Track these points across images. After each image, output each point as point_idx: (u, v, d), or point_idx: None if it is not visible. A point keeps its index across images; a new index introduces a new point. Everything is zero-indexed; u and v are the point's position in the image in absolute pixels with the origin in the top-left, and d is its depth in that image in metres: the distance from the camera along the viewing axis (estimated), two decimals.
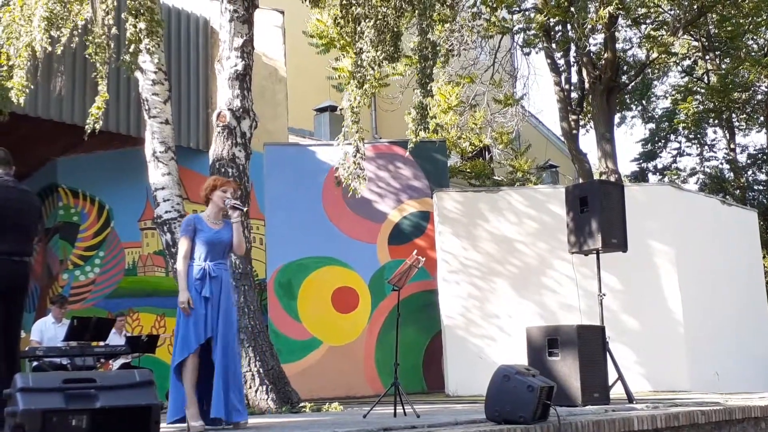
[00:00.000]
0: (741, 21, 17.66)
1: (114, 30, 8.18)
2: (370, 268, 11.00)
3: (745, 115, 22.66)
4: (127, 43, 7.88)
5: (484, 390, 4.85)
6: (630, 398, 6.65)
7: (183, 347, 5.15)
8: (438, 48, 8.92)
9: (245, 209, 5.35)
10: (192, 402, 5.14)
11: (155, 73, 8.22)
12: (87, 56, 8.05)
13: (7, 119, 8.81)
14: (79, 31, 8.12)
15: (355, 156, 8.59)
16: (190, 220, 5.35)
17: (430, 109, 8.80)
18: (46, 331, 9.25)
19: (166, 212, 7.95)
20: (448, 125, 16.46)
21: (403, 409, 5.84)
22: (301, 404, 7.28)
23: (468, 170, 17.39)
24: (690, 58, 22.01)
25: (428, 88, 8.37)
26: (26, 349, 8.56)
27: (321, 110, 17.63)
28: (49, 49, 7.86)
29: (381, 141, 12.27)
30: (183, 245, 5.26)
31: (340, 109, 8.88)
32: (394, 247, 11.04)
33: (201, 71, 12.24)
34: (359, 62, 8.20)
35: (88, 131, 8.11)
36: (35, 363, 8.57)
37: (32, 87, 7.95)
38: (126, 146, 11.37)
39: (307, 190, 11.04)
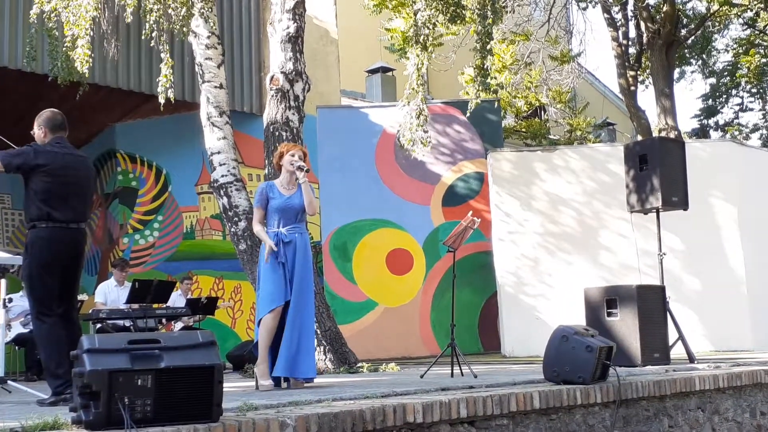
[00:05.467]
0: None
1: None
2: (424, 230, 10.99)
3: None
4: (179, 6, 7.90)
5: (541, 351, 4.83)
6: (691, 358, 6.56)
7: (262, 306, 5.33)
8: (497, 6, 8.72)
9: (306, 168, 5.43)
10: (263, 359, 5.26)
11: (208, 37, 8.24)
12: (152, 23, 8.02)
13: (86, 89, 8.96)
14: None
15: (419, 118, 8.52)
16: (263, 189, 5.48)
17: (490, 69, 8.65)
18: (110, 293, 9.50)
19: (222, 176, 8.02)
20: (503, 85, 16.22)
21: (461, 369, 5.85)
22: (359, 365, 7.35)
23: (523, 130, 17.16)
24: (752, 10, 21.16)
25: (488, 48, 8.21)
26: (90, 311, 8.82)
27: (372, 72, 17.54)
28: (97, 15, 7.90)
29: (435, 102, 12.15)
30: (256, 214, 5.49)
31: (392, 72, 8.80)
32: (448, 209, 10.99)
33: (253, 35, 12.25)
34: (416, 22, 8.09)
35: (163, 101, 8.09)
36: (98, 325, 8.82)
37: (93, 56, 8.00)
38: (181, 111, 11.46)
39: (360, 152, 11.03)
